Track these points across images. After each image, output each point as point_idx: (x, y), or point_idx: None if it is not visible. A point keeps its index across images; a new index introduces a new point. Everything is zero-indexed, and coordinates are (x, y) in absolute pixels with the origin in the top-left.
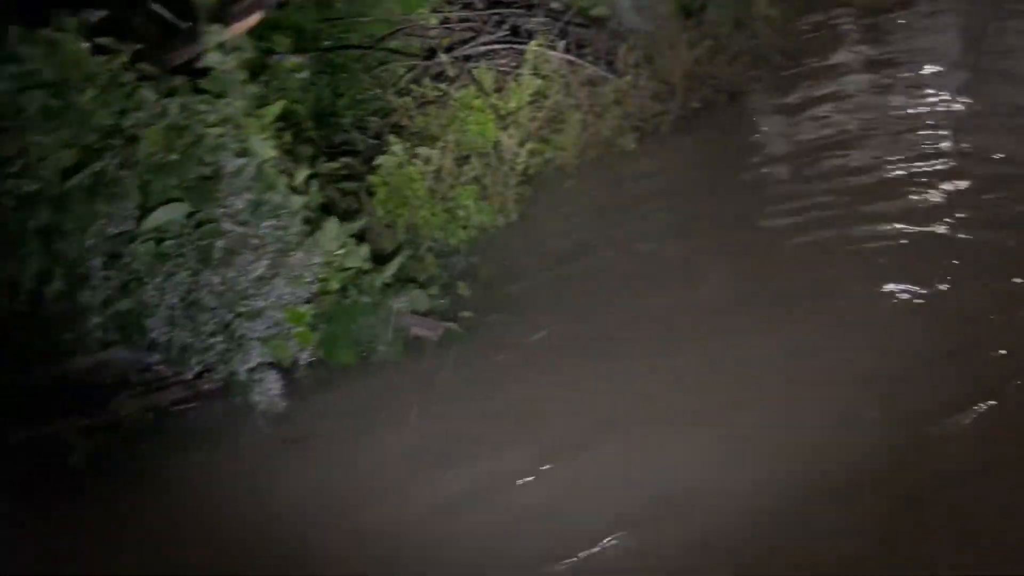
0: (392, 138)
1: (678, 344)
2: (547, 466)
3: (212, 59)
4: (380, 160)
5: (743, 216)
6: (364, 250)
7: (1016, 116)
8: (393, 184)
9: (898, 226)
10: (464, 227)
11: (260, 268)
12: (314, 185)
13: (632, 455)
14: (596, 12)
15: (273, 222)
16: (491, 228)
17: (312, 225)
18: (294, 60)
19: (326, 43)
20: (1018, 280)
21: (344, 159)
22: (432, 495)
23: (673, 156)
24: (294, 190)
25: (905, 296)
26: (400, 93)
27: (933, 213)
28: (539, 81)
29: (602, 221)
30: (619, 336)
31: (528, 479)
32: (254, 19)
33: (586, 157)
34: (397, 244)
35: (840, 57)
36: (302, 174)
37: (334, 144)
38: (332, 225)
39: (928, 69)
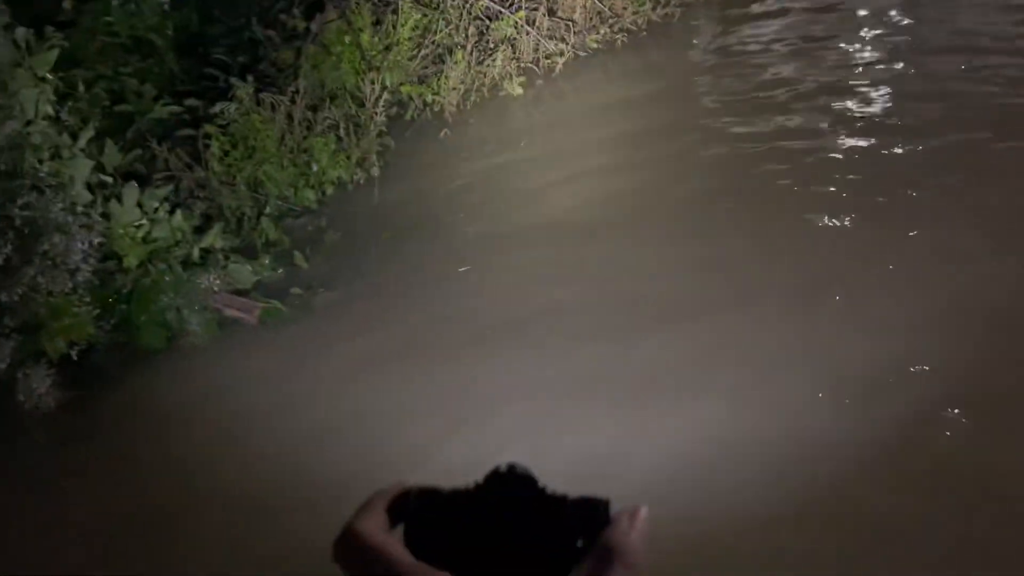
0: (236, 80)
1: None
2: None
3: None
4: (219, 107)
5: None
6: (177, 219)
7: None
8: (237, 134)
9: None
10: (315, 185)
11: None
12: (110, 146)
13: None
14: None
15: (32, 198)
16: (350, 184)
17: (109, 192)
18: None
19: None
20: None
21: (191, 101)
22: None
23: (560, 102)
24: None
25: None
26: (268, 25)
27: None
28: (418, 16)
29: (467, 182)
30: (433, 339)
31: None
32: None
33: (468, 102)
34: (234, 206)
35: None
36: (87, 135)
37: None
38: (131, 193)
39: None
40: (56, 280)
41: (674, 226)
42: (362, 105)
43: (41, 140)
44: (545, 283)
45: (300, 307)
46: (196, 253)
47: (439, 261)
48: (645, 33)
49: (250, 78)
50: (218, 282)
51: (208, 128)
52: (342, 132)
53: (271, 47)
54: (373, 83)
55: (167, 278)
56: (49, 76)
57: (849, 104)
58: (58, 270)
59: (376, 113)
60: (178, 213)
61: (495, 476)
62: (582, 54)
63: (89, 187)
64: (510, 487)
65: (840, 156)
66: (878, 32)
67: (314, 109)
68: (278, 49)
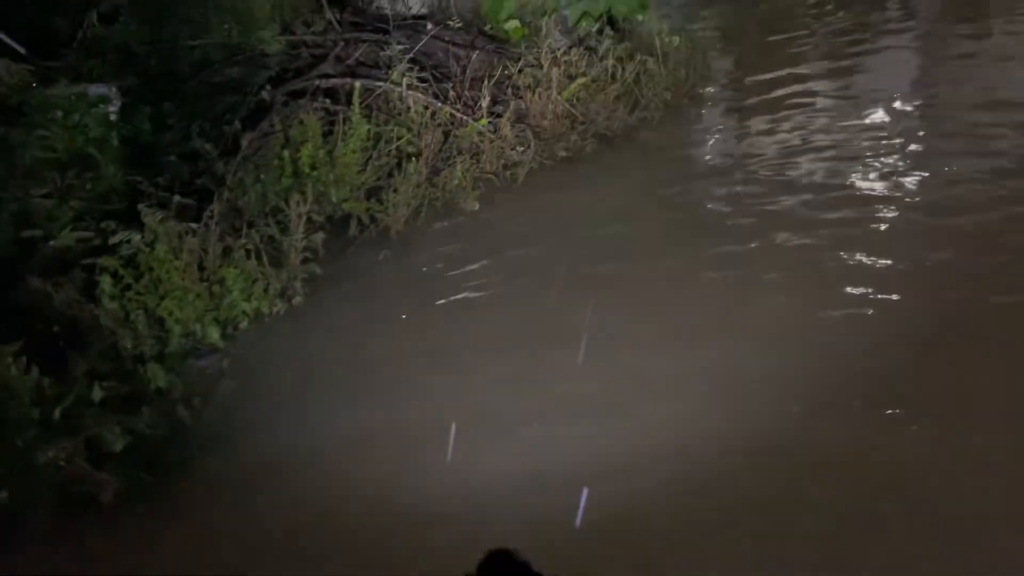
0: (144, 207)
1: None
2: None
3: None
4: (120, 236)
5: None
6: (33, 375)
7: None
8: (142, 265)
9: None
10: (225, 320)
11: None
12: None
13: None
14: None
15: None
16: (268, 316)
17: None
18: (97, 91)
19: (153, 67)
20: None
21: (108, 223)
22: None
23: (521, 217)
24: None
25: None
26: (204, 136)
27: None
28: (368, 127)
29: (402, 317)
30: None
31: None
32: None
33: (418, 218)
34: (130, 347)
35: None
36: None
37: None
38: None
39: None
40: None
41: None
42: (286, 229)
43: None
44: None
45: (168, 479)
46: (58, 414)
47: (341, 423)
48: (620, 138)
49: (176, 198)
50: (63, 455)
51: (104, 260)
52: (264, 259)
53: (210, 161)
54: (299, 203)
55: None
56: None
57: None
58: None
59: (300, 237)
60: (34, 370)
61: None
62: (547, 163)
63: None
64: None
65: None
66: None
67: (234, 233)
68: (213, 164)
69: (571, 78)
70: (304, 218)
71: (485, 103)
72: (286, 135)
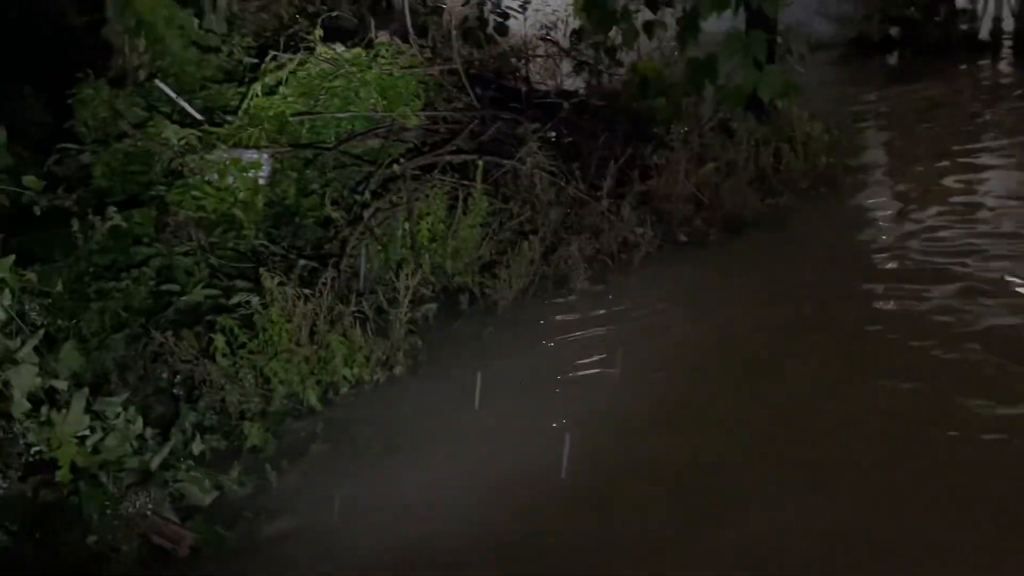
0: (264, 270)
1: None
2: None
3: None
4: (239, 298)
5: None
6: (137, 426)
7: None
8: (258, 325)
9: None
10: (325, 383)
11: None
12: (67, 350)
13: None
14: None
15: None
16: (368, 384)
17: (61, 399)
18: (251, 157)
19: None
20: None
21: (236, 282)
22: None
23: (632, 302)
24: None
25: None
26: (337, 204)
27: None
28: (488, 203)
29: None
30: None
31: None
32: None
33: (527, 296)
34: (237, 403)
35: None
36: (34, 340)
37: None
38: (79, 400)
39: None
40: None
41: None
42: (395, 300)
43: None
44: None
45: (247, 536)
46: (156, 462)
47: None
48: (748, 225)
49: (301, 262)
50: (151, 504)
51: (222, 319)
52: (370, 328)
53: (338, 228)
54: (408, 276)
55: (91, 499)
56: (8, 276)
57: None
58: None
59: (405, 310)
60: (139, 420)
61: None
62: (667, 246)
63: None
64: None
65: None
66: None
67: (346, 300)
68: (340, 231)
69: (703, 161)
70: (410, 290)
71: (608, 184)
72: (410, 207)
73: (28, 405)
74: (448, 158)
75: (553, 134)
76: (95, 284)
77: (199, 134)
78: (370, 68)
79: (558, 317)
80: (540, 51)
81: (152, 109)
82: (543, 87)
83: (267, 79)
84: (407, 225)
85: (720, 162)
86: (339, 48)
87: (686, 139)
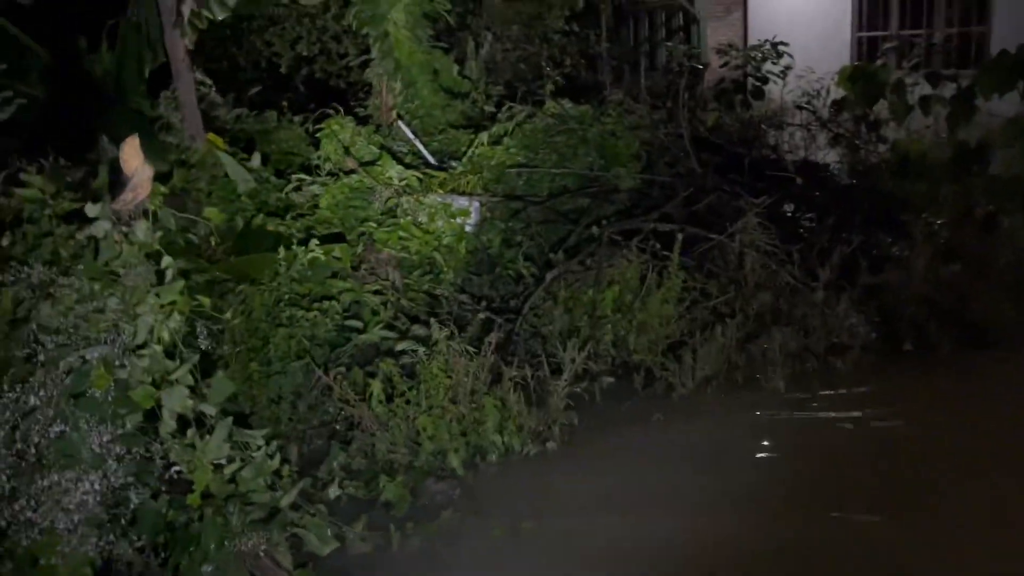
0: (435, 321)
1: None
2: None
3: (99, 228)
4: (404, 345)
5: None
6: (274, 462)
7: None
8: (420, 375)
9: None
10: (473, 446)
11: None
12: (220, 380)
13: None
14: None
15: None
16: (517, 454)
17: (209, 422)
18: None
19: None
20: None
21: (415, 327)
22: None
23: (826, 412)
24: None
25: None
26: (531, 260)
27: None
28: (684, 279)
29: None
30: None
31: None
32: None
33: (710, 386)
34: (384, 452)
35: None
36: (188, 365)
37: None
38: (222, 429)
39: None
40: (48, 515)
41: None
42: (559, 370)
43: (148, 364)
44: None
45: None
46: (286, 501)
47: None
48: (1000, 343)
49: (482, 315)
50: (265, 545)
51: (384, 364)
52: (529, 395)
53: (526, 286)
54: (577, 347)
55: (214, 528)
56: (179, 299)
57: None
58: (56, 506)
59: (565, 384)
60: (276, 457)
61: None
62: (886, 350)
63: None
64: None
65: None
66: None
67: (507, 362)
68: (527, 289)
69: (951, 258)
70: (576, 363)
71: (827, 273)
72: (598, 273)
73: (174, 425)
74: (651, 225)
75: (788, 209)
76: (288, 311)
77: (421, 176)
78: (591, 126)
79: (744, 414)
80: (795, 120)
81: (384, 148)
82: (789, 158)
83: (494, 129)
84: (590, 292)
85: (973, 262)
86: (567, 104)
87: (936, 231)
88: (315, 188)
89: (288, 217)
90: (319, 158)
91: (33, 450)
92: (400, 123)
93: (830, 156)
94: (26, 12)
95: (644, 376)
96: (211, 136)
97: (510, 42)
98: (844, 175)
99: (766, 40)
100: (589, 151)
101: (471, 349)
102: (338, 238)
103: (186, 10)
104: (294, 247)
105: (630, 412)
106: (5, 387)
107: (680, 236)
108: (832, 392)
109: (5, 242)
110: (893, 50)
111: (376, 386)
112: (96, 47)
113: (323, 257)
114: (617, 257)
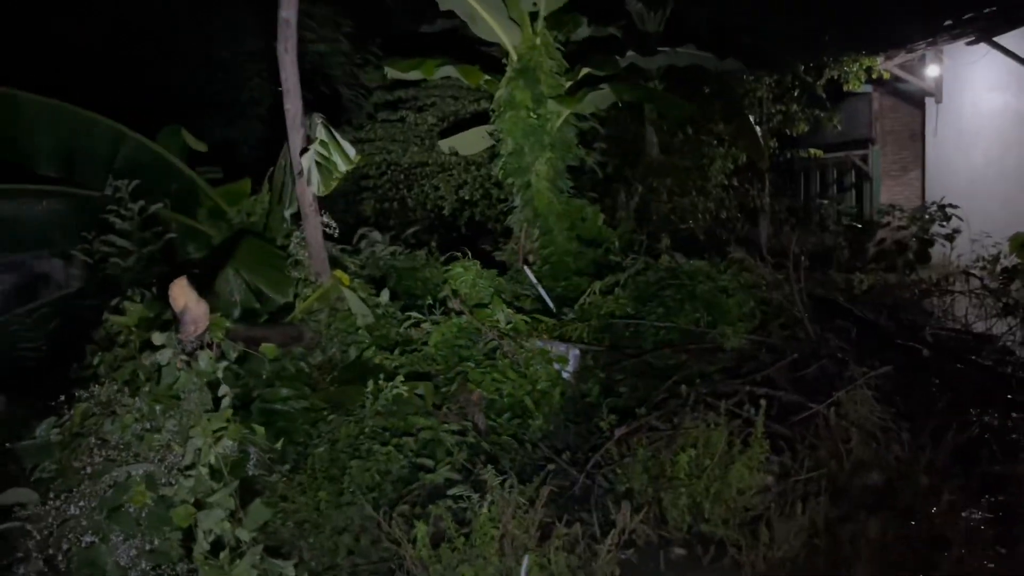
0: (491, 468)
1: None
2: None
3: (163, 355)
4: (457, 490)
5: None
6: None
7: None
8: (473, 523)
9: None
10: None
11: None
12: (257, 507)
13: None
14: None
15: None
16: None
17: (243, 548)
18: (559, 350)
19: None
20: None
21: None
22: None
23: None
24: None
25: None
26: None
27: None
28: (768, 447)
29: None
30: None
31: None
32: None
33: (792, 566)
34: None
35: None
36: (228, 489)
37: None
38: (251, 557)
39: None
40: None
41: None
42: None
43: (193, 484)
44: None
45: None
46: None
47: None
48: None
49: (553, 466)
50: None
51: (434, 507)
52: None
53: (604, 440)
54: (638, 510)
55: None
56: (230, 425)
57: None
58: None
59: (609, 549)
60: None
61: None
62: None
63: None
64: None
65: None
66: None
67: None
68: (605, 443)
69: None
70: (627, 530)
71: (939, 456)
72: (675, 432)
73: (207, 547)
74: (749, 388)
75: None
76: (368, 443)
77: (528, 320)
78: (700, 282)
79: None
80: (956, 286)
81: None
82: (951, 327)
83: (608, 278)
84: (663, 454)
85: None
86: (680, 258)
87: None
88: (427, 326)
89: (396, 352)
90: (445, 298)
91: (61, 557)
92: (526, 268)
93: (1001, 328)
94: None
95: (715, 550)
96: (337, 272)
97: (665, 194)
98: (994, 349)
99: (934, 202)
100: (697, 307)
101: (526, 500)
102: (426, 377)
103: (307, 163)
104: (380, 381)
105: None
106: (52, 495)
107: (763, 401)
108: None
109: (95, 360)
110: None
111: (421, 529)
112: (257, 189)
113: (405, 393)
114: (700, 418)
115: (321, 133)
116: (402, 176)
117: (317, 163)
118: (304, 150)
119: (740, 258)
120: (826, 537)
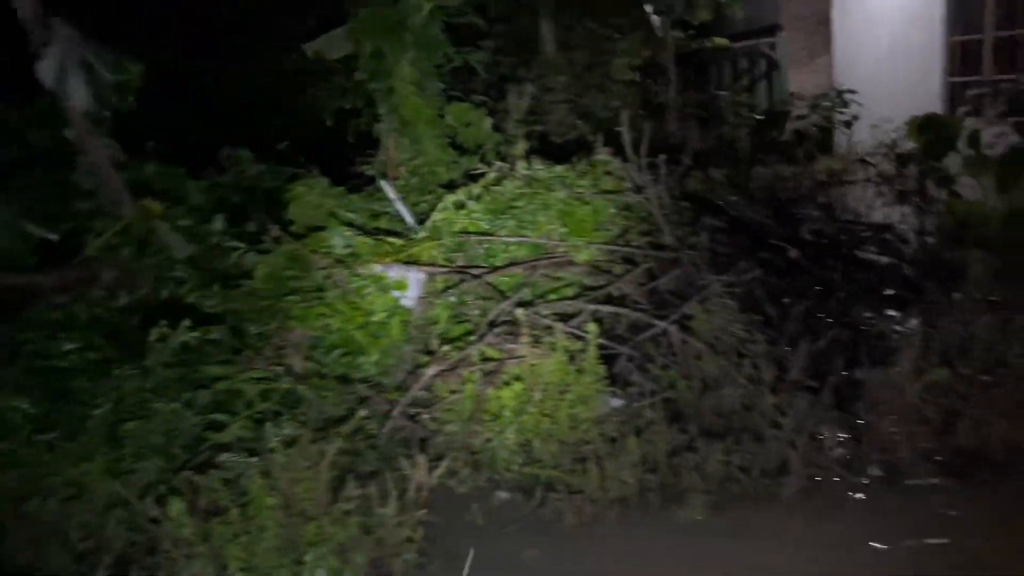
0: (271, 425)
1: None
2: None
3: None
4: (228, 457)
5: None
6: None
7: None
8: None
9: None
10: None
11: None
12: None
13: None
14: None
15: None
16: None
17: None
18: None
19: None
20: None
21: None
22: None
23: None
24: None
25: None
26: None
27: None
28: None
29: None
30: None
31: None
32: None
33: (613, 513)
34: None
35: None
36: None
37: None
38: None
39: None
40: None
41: None
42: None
43: None
44: None
45: None
46: None
47: None
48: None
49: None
50: None
51: (197, 477)
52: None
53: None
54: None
55: None
56: None
57: None
58: None
59: (394, 506)
60: None
61: None
62: (848, 482)
63: None
64: None
65: None
66: None
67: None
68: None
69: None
70: (422, 477)
71: (800, 363)
72: (500, 364)
73: None
74: (591, 307)
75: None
76: (157, 401)
77: (373, 243)
78: (552, 191)
79: (641, 551)
80: (856, 176)
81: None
82: (847, 218)
83: (461, 191)
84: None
85: (977, 363)
86: (538, 166)
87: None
88: (251, 256)
89: (216, 287)
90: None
91: None
92: (384, 182)
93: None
94: None
95: (543, 494)
96: (146, 202)
97: (562, 93)
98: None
99: (834, 87)
100: (550, 218)
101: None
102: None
103: (48, 73)
104: (161, 327)
105: (507, 543)
106: None
107: (600, 321)
108: (762, 526)
109: None
110: (979, 96)
111: (176, 505)
112: None
113: (193, 341)
114: (534, 344)
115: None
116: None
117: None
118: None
119: (603, 160)
120: (665, 470)
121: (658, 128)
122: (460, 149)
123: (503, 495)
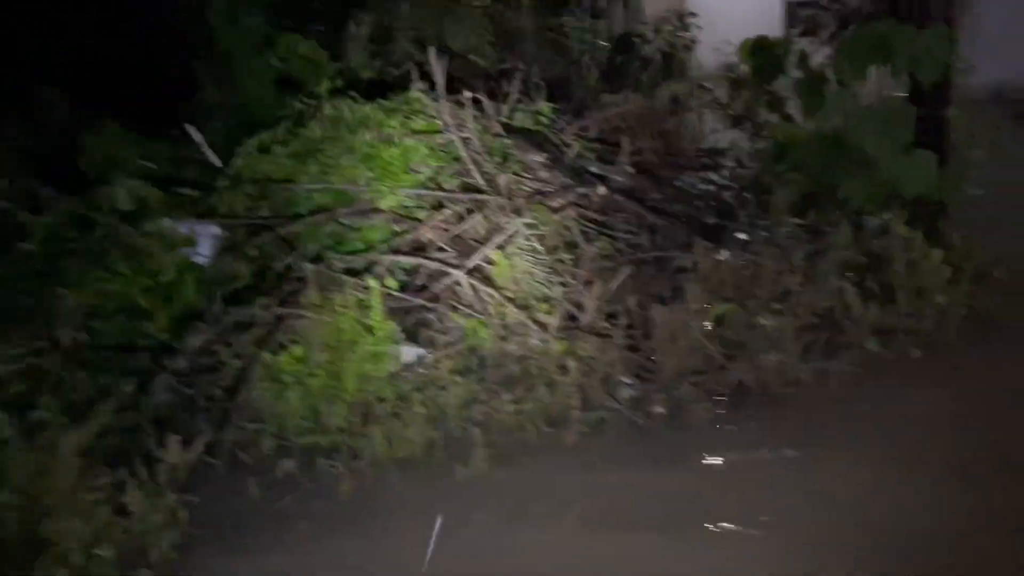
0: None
1: None
2: None
3: None
4: None
5: None
6: None
7: None
8: None
9: None
10: None
11: None
12: None
13: None
14: None
15: None
16: None
17: None
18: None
19: None
20: None
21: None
22: None
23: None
24: None
25: None
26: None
27: None
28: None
29: None
30: None
31: None
32: None
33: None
34: None
35: None
36: None
37: None
38: None
39: None
40: None
41: None
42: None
43: None
44: None
45: None
46: None
47: None
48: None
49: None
50: None
51: None
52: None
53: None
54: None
55: None
56: None
57: None
58: None
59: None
60: None
61: None
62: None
63: None
64: None
65: None
66: None
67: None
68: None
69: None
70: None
71: (593, 306)
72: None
73: None
74: (387, 259)
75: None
76: None
77: (165, 196)
78: (353, 132)
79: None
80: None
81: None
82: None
83: (265, 135)
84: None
85: (766, 293)
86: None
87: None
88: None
89: None
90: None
91: None
92: (189, 127)
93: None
94: None
95: (323, 460)
96: None
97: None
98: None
99: (676, 10)
100: (354, 162)
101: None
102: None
103: None
104: None
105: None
106: None
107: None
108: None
109: None
110: (812, 18)
111: None
112: None
113: None
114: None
115: None
116: None
117: None
118: None
119: (415, 97)
120: (454, 425)
121: (509, 59)
122: (299, 87)
123: (289, 464)
